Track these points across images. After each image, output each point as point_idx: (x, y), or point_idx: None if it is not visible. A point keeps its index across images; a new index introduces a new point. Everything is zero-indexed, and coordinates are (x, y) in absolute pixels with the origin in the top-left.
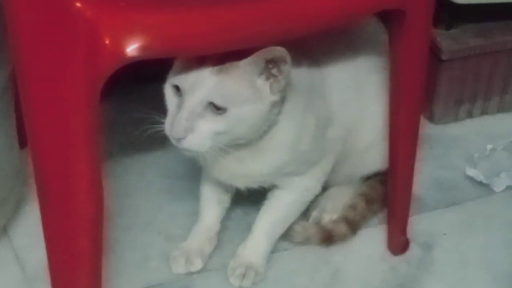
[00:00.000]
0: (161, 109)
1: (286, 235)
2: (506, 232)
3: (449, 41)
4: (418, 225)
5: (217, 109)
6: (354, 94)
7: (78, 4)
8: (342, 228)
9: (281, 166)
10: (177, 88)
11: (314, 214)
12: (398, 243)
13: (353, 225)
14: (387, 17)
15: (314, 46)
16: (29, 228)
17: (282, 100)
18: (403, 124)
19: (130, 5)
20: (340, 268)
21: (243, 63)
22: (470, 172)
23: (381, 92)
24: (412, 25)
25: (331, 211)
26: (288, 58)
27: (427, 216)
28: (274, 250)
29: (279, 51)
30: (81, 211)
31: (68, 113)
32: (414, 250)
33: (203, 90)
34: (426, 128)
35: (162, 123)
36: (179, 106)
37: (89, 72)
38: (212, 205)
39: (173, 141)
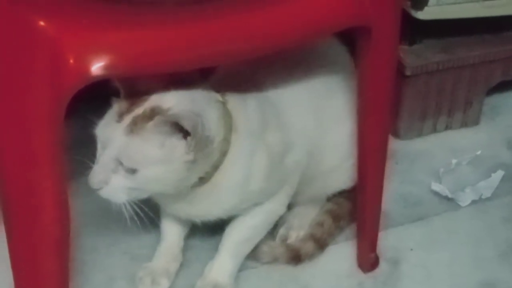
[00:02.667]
0: None
1: (253, 255)
2: (472, 246)
3: (412, 56)
4: (385, 240)
5: (126, 168)
6: (314, 119)
7: (42, 23)
8: (310, 246)
9: (232, 208)
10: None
11: (281, 231)
12: (368, 260)
13: (320, 243)
14: (352, 36)
15: (266, 77)
16: None
17: (221, 151)
18: (372, 141)
19: (94, 24)
20: (308, 285)
21: (151, 125)
22: (436, 187)
23: (343, 115)
24: (378, 42)
25: (297, 228)
26: (193, 120)
27: (394, 231)
28: (241, 269)
29: (177, 116)
30: (47, 230)
31: (32, 131)
32: (381, 266)
33: (113, 148)
34: (391, 144)
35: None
36: (99, 153)
37: (53, 91)
38: (173, 223)
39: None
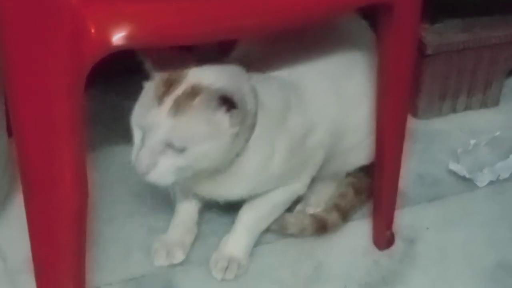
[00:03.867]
0: None
1: (279, 227)
2: (488, 227)
3: (434, 36)
4: (401, 219)
5: (177, 148)
6: (336, 99)
7: None
8: (335, 216)
9: (255, 189)
10: (139, 125)
11: (298, 207)
12: (384, 238)
13: (344, 213)
14: (374, 13)
15: (286, 56)
16: (14, 219)
17: (252, 127)
18: (391, 120)
19: None
20: (323, 261)
21: (196, 102)
22: (453, 167)
23: (363, 93)
24: (399, 20)
25: (315, 205)
26: (237, 93)
27: (410, 210)
28: (256, 244)
29: (224, 90)
30: (66, 201)
31: (52, 102)
32: (397, 244)
33: (161, 132)
34: (410, 123)
35: None
36: (143, 140)
37: (74, 61)
38: (188, 196)
39: (138, 174)
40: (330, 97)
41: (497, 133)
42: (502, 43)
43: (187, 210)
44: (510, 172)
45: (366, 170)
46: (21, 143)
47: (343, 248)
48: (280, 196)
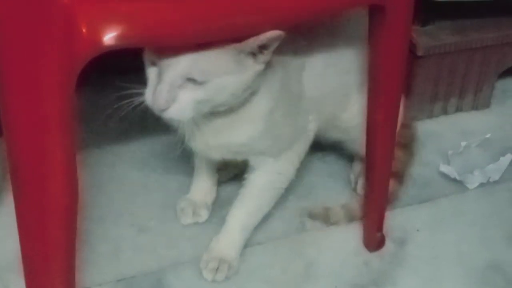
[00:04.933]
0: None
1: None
2: (478, 228)
3: (425, 37)
4: (392, 220)
5: (198, 81)
6: (333, 84)
7: None
8: (391, 183)
9: (256, 138)
10: (154, 61)
11: (360, 181)
12: (374, 239)
13: (399, 177)
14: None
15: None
16: (3, 218)
17: (270, 69)
18: (381, 121)
19: None
20: (313, 262)
21: (234, 46)
22: (444, 168)
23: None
24: (391, 21)
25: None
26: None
27: (401, 212)
28: (247, 244)
29: (276, 36)
30: (56, 199)
31: (43, 99)
32: (387, 246)
33: (182, 66)
34: None
35: (141, 94)
36: (159, 77)
37: (65, 60)
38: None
39: (156, 112)
40: (326, 82)
41: (488, 135)
42: (493, 45)
43: (206, 170)
44: (500, 175)
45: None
46: (11, 142)
47: (334, 249)
48: (268, 178)
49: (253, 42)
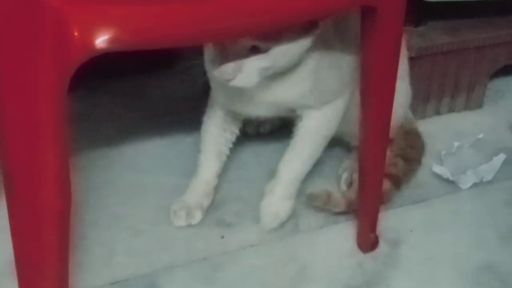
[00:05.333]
0: (129, 103)
1: (328, 206)
2: (472, 229)
3: (417, 38)
4: (385, 221)
5: (262, 50)
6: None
7: None
8: (387, 185)
9: (305, 93)
10: None
11: (344, 176)
12: (368, 241)
13: (397, 181)
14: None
15: None
16: None
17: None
18: (374, 122)
19: None
20: (307, 264)
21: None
22: (437, 169)
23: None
24: (383, 23)
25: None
26: None
27: (394, 213)
28: (240, 247)
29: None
30: (49, 203)
31: (35, 103)
32: (381, 247)
33: (247, 38)
34: None
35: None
36: (223, 49)
37: (57, 63)
38: (211, 158)
39: (222, 81)
40: None
41: (481, 136)
42: (485, 46)
43: (208, 173)
44: (493, 175)
45: (408, 143)
46: (3, 145)
47: (327, 251)
48: (317, 124)
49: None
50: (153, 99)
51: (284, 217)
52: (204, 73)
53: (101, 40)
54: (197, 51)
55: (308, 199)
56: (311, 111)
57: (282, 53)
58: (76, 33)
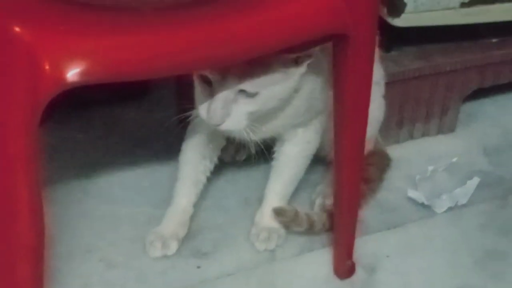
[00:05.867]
0: (102, 134)
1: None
2: (448, 253)
3: (389, 63)
4: (362, 247)
5: (249, 94)
6: None
7: (17, 29)
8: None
9: (299, 114)
10: (205, 78)
11: (318, 201)
12: (344, 267)
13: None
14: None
15: None
16: None
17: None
18: (348, 148)
19: (70, 29)
20: None
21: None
22: (412, 194)
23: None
24: (355, 50)
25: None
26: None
27: (370, 238)
28: (216, 276)
29: (310, 53)
30: (22, 238)
31: (6, 137)
32: (357, 273)
33: (233, 82)
34: None
35: (190, 109)
36: (211, 93)
37: (29, 98)
38: (188, 186)
39: (211, 126)
40: None
41: (455, 159)
42: (457, 70)
43: (185, 202)
44: (468, 198)
45: (369, 161)
46: None
47: (304, 278)
48: (299, 147)
49: (293, 55)
50: (126, 129)
51: (276, 239)
52: (177, 102)
53: (73, 74)
54: (170, 80)
55: (276, 213)
56: (293, 132)
57: (271, 96)
58: (47, 67)
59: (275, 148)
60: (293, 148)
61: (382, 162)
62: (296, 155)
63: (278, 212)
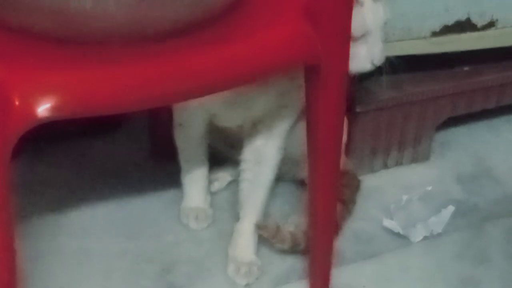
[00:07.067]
0: (74, 167)
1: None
2: (424, 282)
3: (362, 93)
4: (338, 278)
5: None
6: None
7: None
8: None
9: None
10: None
11: (291, 220)
12: None
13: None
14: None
15: None
16: None
17: None
18: (322, 179)
19: (40, 65)
20: None
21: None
22: (387, 223)
23: None
24: (327, 80)
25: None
26: None
27: (346, 269)
28: None
29: None
30: None
31: None
32: None
33: None
34: None
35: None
36: None
37: None
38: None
39: None
40: None
41: (429, 188)
42: (429, 99)
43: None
44: (443, 227)
45: (344, 183)
46: None
47: None
48: (263, 165)
49: None
50: (98, 162)
51: (256, 272)
52: (150, 135)
53: (43, 109)
54: (142, 113)
55: (257, 228)
56: (257, 149)
57: None
58: (17, 102)
59: (243, 166)
60: (258, 168)
61: (353, 183)
62: (262, 172)
63: (260, 226)
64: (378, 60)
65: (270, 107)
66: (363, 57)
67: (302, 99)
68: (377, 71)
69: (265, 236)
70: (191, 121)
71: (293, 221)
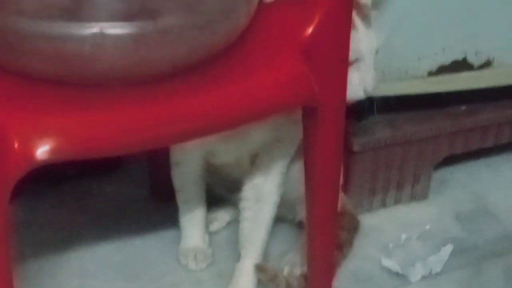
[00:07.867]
0: (74, 207)
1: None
2: None
3: (360, 132)
4: None
5: None
6: None
7: None
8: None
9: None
10: None
11: (286, 270)
12: None
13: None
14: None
15: None
16: None
17: None
18: (320, 219)
19: (39, 107)
20: None
21: None
22: (386, 262)
23: None
24: (324, 121)
25: (301, 264)
26: None
27: None
28: None
29: None
30: None
31: None
32: None
33: None
34: None
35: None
36: None
37: None
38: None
39: None
40: None
41: (428, 227)
42: (427, 137)
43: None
44: (442, 266)
45: (340, 224)
46: None
47: None
48: (263, 203)
49: None
50: (98, 203)
51: None
52: (150, 176)
53: (42, 152)
54: (142, 154)
55: (256, 270)
56: (257, 188)
57: None
58: (16, 145)
59: (243, 205)
60: (257, 205)
61: (351, 224)
62: (261, 210)
63: (259, 268)
64: (371, 88)
65: (266, 140)
66: (356, 84)
67: (298, 134)
68: (370, 108)
69: (263, 279)
70: (188, 159)
71: (289, 259)
